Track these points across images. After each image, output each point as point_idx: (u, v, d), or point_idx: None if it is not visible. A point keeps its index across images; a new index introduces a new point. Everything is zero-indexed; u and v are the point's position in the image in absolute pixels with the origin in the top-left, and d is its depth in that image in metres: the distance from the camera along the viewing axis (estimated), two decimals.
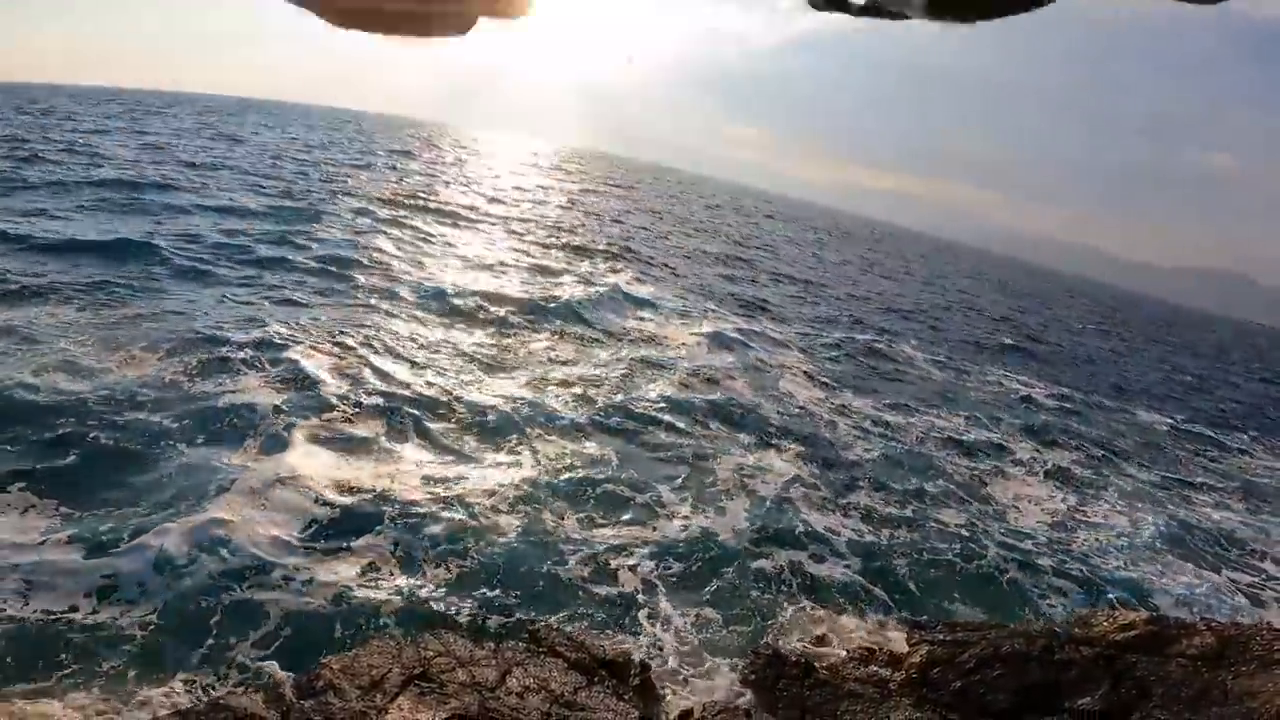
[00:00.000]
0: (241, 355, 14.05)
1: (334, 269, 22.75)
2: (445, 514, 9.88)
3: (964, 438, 20.82)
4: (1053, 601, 12.48)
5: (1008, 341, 42.25)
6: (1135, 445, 25.04)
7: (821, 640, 8.94)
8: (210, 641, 7.14)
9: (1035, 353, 41.63)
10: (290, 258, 22.88)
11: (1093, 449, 22.79)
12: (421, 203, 40.97)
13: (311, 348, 15.26)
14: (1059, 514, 16.45)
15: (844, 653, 8.60)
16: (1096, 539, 15.55)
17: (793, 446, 16.80)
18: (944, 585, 12.04)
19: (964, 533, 14.14)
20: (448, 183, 57.09)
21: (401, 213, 36.01)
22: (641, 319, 26.00)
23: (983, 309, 59.39)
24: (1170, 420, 30.94)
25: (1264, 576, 15.66)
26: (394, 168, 59.82)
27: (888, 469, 16.81)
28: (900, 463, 17.37)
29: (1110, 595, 12.82)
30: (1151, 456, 24.02)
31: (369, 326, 17.74)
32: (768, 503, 13.31)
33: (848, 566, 11.67)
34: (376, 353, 15.97)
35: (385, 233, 29.83)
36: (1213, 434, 30.25)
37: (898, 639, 9.25)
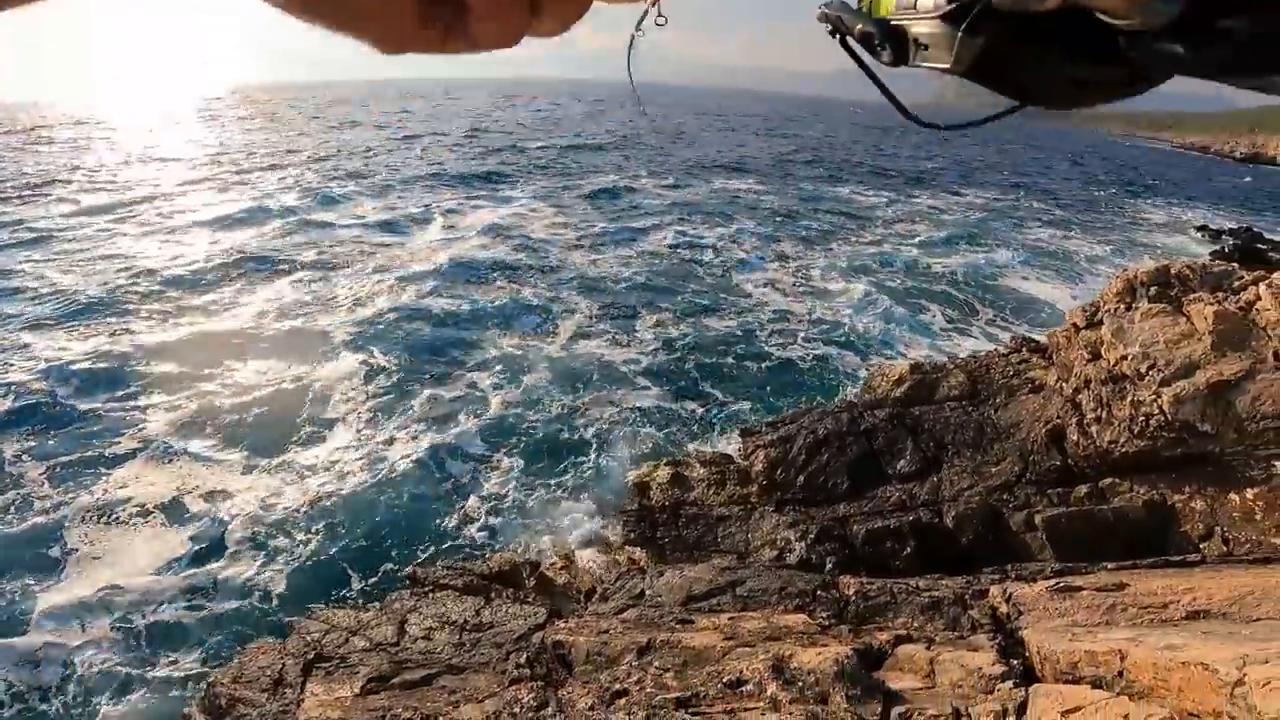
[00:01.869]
0: None
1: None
2: (274, 499, 8.74)
3: (704, 243, 22.84)
4: (830, 368, 14.58)
5: (720, 161, 45.53)
6: (812, 211, 29.00)
7: (676, 479, 9.65)
8: (92, 688, 6.16)
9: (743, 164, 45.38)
10: None
11: (803, 231, 26.09)
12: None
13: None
14: (798, 292, 18.85)
15: (699, 482, 9.42)
16: (831, 305, 18.18)
17: (569, 292, 17.07)
18: (744, 385, 13.39)
19: (736, 331, 15.72)
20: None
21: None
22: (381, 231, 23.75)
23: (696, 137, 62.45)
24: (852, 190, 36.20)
25: (937, 286, 19.65)
26: None
27: (653, 288, 17.90)
28: (661, 280, 18.58)
29: (870, 351, 15.36)
30: (833, 223, 27.99)
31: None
32: (566, 355, 13.54)
33: (660, 395, 12.44)
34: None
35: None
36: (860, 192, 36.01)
37: (734, 451, 10.34)
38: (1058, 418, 7.23)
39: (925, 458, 7.49)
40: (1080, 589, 3.81)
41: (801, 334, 15.95)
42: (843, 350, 15.49)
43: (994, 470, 6.87)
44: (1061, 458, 6.73)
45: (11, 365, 11.81)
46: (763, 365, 14.24)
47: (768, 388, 13.41)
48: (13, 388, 11.04)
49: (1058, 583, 3.95)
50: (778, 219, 27.45)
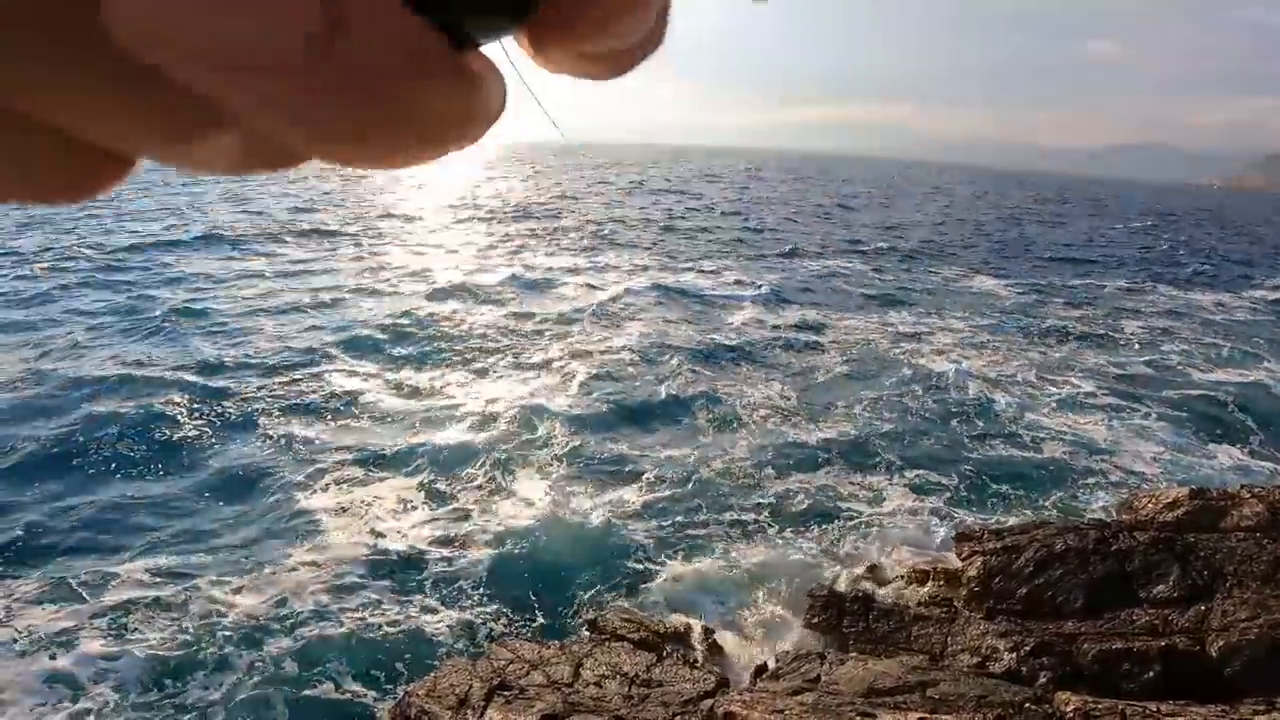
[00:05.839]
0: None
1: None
2: (480, 533, 9.70)
3: (923, 335, 21.01)
4: (1070, 484, 12.44)
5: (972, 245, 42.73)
6: (1077, 316, 25.09)
7: (872, 570, 8.91)
8: (292, 688, 7.10)
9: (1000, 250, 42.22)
10: None
11: (1044, 325, 22.89)
12: None
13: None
14: (1034, 397, 16.46)
15: (899, 579, 8.59)
16: (1072, 409, 15.60)
17: (765, 371, 16.75)
18: (966, 486, 11.97)
19: (956, 428, 14.11)
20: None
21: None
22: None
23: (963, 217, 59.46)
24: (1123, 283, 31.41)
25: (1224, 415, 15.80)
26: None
27: (857, 377, 16.79)
28: (869, 369, 17.39)
29: (1131, 477, 12.89)
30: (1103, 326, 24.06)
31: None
32: (762, 435, 13.17)
33: (866, 486, 11.55)
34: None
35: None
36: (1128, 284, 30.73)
37: (948, 555, 9.27)
38: None
39: (1193, 585, 6.08)
40: None
41: (1030, 436, 14.04)
42: (1089, 459, 13.31)
43: None
44: None
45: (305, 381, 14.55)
46: (986, 471, 12.66)
47: (993, 497, 11.92)
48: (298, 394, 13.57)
49: None
50: (1011, 313, 24.82)
